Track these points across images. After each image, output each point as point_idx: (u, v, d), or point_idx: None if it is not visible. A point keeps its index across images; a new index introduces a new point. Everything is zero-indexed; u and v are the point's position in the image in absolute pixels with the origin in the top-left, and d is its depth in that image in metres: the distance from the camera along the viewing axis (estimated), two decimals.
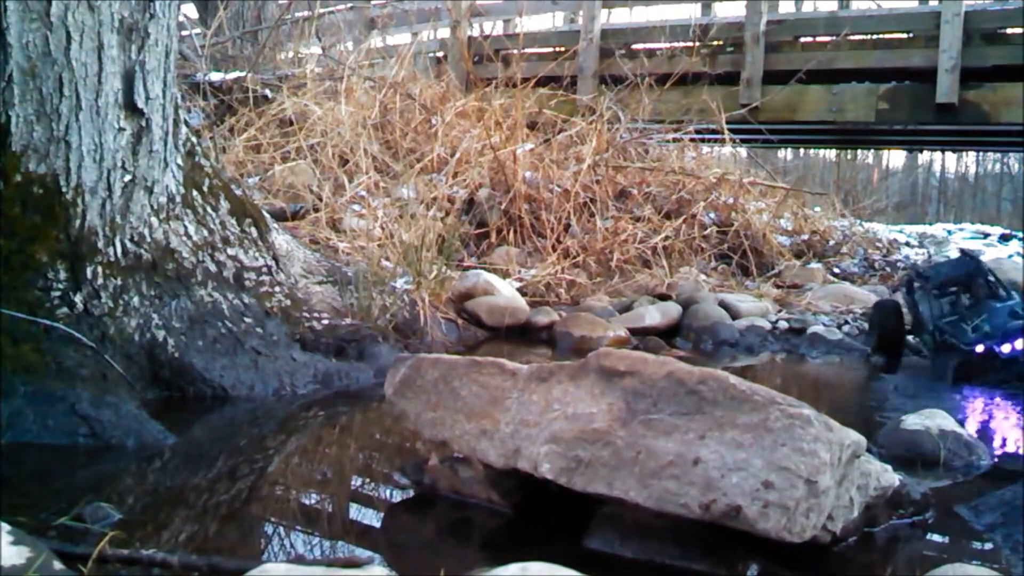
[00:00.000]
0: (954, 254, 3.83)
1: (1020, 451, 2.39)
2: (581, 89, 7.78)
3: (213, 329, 2.67)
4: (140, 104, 2.55)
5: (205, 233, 2.81)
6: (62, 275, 2.38)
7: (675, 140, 6.57)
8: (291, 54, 6.86)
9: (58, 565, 1.23)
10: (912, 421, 2.26)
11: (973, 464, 2.15)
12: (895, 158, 25.33)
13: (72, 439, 2.07)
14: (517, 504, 1.72)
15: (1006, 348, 3.17)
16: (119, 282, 2.49)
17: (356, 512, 1.84)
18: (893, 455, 2.11)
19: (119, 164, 2.52)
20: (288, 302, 3.00)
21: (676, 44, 7.99)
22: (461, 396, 1.73)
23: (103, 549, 1.35)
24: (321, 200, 4.76)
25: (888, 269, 7.00)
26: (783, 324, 4.36)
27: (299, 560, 1.39)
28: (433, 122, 5.87)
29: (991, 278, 3.52)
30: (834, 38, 7.61)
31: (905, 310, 3.88)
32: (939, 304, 3.52)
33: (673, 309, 4.34)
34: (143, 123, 2.57)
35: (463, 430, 1.71)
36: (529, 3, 8.63)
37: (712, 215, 6.08)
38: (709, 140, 7.04)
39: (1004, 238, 11.29)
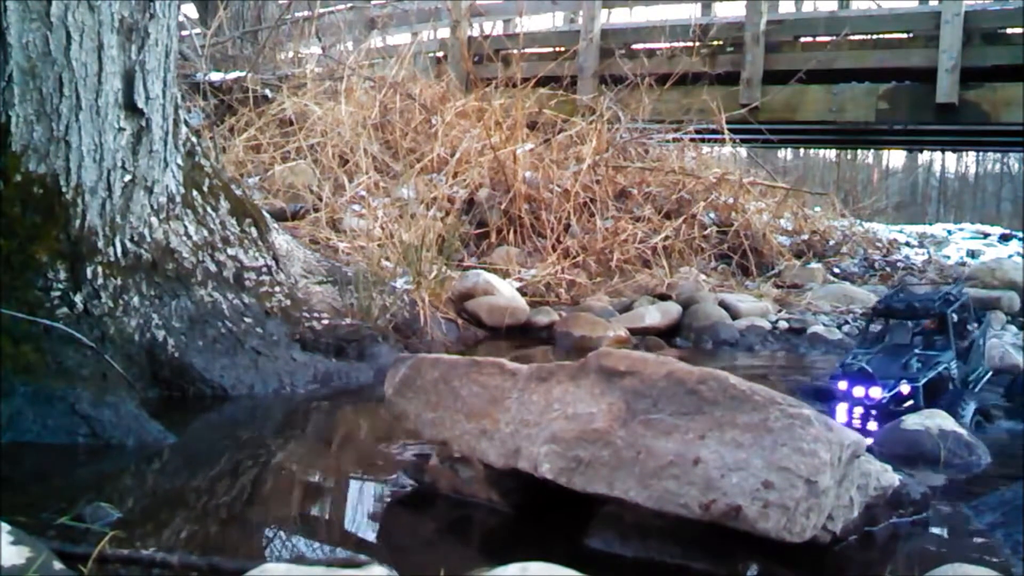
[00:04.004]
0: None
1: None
2: (581, 89, 7.78)
3: (213, 329, 2.67)
4: (140, 104, 2.55)
5: (205, 233, 2.81)
6: (62, 275, 2.38)
7: (675, 140, 6.57)
8: (291, 54, 6.86)
9: (58, 565, 1.23)
10: (912, 421, 2.26)
11: (973, 464, 2.15)
12: (895, 158, 25.34)
13: (72, 439, 2.07)
14: (517, 504, 1.72)
15: None
16: (119, 282, 2.49)
17: (356, 511, 1.84)
18: (893, 455, 2.11)
19: (119, 164, 2.52)
20: (288, 302, 3.00)
21: (676, 44, 8.00)
22: (461, 396, 1.73)
23: (103, 549, 1.35)
24: (321, 200, 4.76)
25: (888, 269, 6.99)
26: (783, 324, 4.36)
27: (299, 560, 1.39)
28: (433, 122, 5.87)
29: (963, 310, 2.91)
30: (834, 38, 7.61)
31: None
32: None
33: (673, 309, 4.34)
34: (143, 123, 2.57)
35: (463, 430, 1.71)
36: (529, 3, 8.63)
37: (712, 215, 6.08)
38: (709, 140, 7.04)
39: (1004, 238, 11.27)
